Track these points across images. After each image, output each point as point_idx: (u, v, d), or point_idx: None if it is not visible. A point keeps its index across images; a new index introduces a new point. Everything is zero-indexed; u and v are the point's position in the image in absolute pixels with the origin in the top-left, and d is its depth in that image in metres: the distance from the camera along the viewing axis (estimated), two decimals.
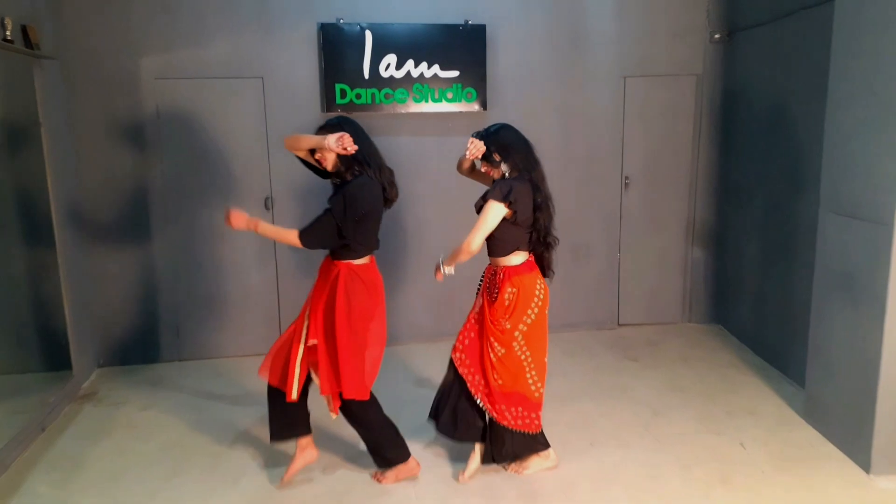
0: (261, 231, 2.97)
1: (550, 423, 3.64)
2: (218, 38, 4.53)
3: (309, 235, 2.95)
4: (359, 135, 2.97)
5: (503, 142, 3.04)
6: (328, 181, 3.13)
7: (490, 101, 4.82)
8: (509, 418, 3.09)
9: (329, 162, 2.98)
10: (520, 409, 3.10)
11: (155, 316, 4.75)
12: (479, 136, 3.04)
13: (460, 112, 4.79)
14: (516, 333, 3.04)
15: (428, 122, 4.84)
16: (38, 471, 3.33)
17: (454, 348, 3.18)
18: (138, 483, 3.21)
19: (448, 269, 3.10)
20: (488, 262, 3.18)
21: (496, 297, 3.04)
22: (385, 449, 3.14)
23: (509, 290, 3.02)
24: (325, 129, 2.98)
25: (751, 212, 4.84)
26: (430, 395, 3.34)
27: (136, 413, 3.98)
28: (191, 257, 4.72)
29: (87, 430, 3.78)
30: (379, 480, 3.19)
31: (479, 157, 3.03)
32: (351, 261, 3.02)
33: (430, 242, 4.99)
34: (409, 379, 4.41)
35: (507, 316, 3.03)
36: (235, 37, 4.55)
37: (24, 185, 4.20)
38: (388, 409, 3.17)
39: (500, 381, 3.06)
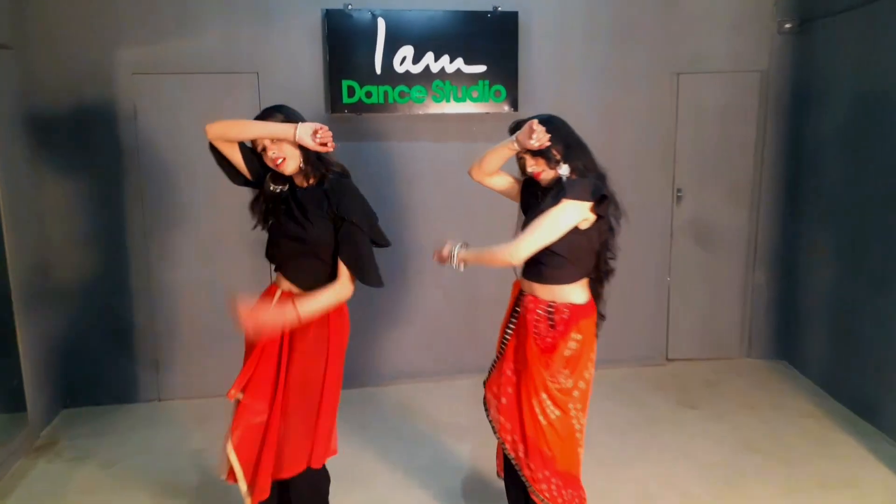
0: (304, 315, 2.25)
1: (601, 496, 2.94)
2: (207, 26, 3.88)
3: (371, 276, 2.30)
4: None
5: (566, 136, 2.33)
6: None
7: (521, 101, 4.12)
8: (560, 502, 2.38)
9: (290, 163, 2.26)
10: (570, 491, 2.40)
11: (131, 349, 4.08)
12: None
13: (487, 113, 4.10)
14: (576, 393, 2.33)
15: (449, 124, 4.16)
16: None
17: (491, 405, 2.52)
18: None
19: (460, 264, 2.41)
20: (517, 286, 2.50)
21: (551, 344, 2.31)
22: None
23: (575, 337, 2.30)
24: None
25: (829, 230, 4.10)
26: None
27: (97, 472, 3.31)
28: (173, 281, 4.06)
29: (35, 494, 3.11)
30: None
31: (537, 149, 2.27)
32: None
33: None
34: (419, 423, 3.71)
35: (570, 371, 2.32)
36: (227, 25, 3.90)
37: None
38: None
39: (550, 454, 2.36)
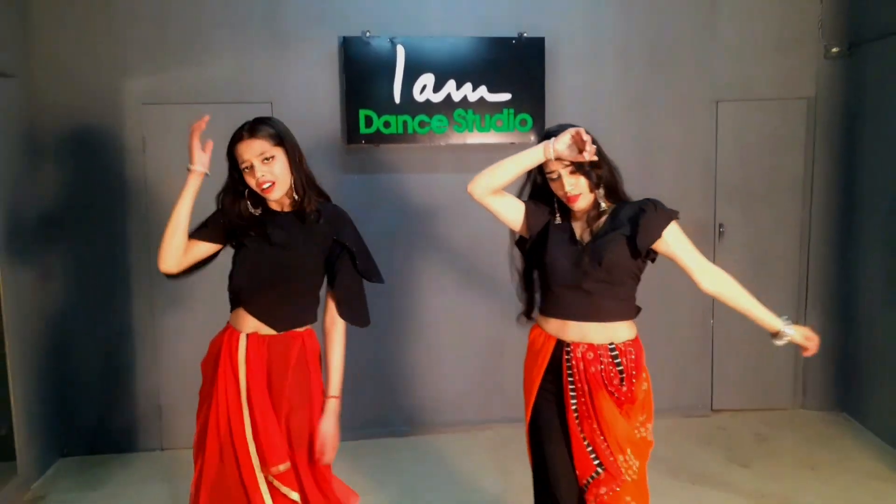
0: (339, 391, 2.09)
1: None
2: (219, 55, 3.73)
3: (364, 309, 2.11)
4: None
5: (601, 153, 2.03)
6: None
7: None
8: None
9: (279, 189, 2.00)
10: None
11: (132, 394, 3.83)
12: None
13: (512, 143, 3.85)
14: (650, 438, 2.05)
15: (472, 155, 3.91)
16: None
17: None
18: None
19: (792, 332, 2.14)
20: (541, 335, 2.15)
21: (628, 394, 2.00)
22: None
23: (645, 377, 2.06)
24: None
25: (888, 267, 3.73)
26: None
27: None
28: (178, 323, 3.82)
29: None
30: None
31: (587, 162, 1.95)
32: (310, 324, 2.11)
33: (476, 305, 4.00)
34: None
35: (646, 417, 2.03)
36: (239, 54, 3.74)
37: None
38: None
39: None
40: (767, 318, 2.09)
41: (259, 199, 2.07)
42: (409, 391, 4.04)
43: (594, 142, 1.92)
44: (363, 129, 3.73)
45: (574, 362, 2.02)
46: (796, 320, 4.20)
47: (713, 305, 4.18)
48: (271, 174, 1.98)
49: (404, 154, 3.88)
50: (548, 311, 2.12)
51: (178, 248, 2.04)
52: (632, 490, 2.02)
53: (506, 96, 3.80)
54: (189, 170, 2.03)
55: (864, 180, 3.97)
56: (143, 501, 3.28)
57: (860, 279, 4.00)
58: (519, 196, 2.18)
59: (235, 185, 2.06)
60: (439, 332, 4.02)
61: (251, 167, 1.98)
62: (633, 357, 2.03)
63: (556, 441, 2.08)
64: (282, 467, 1.98)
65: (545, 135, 2.05)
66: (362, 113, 3.72)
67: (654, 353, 3.99)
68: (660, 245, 2.03)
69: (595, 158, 1.94)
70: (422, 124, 3.76)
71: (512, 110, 3.82)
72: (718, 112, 4.08)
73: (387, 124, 3.74)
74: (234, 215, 2.05)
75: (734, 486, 3.32)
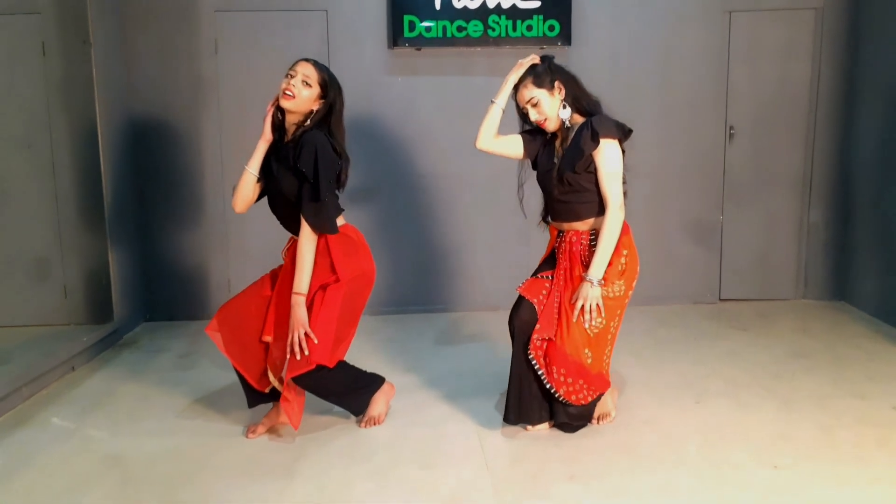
0: (305, 288, 2.45)
1: (642, 383, 3.04)
2: None
3: (325, 223, 2.45)
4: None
5: (567, 72, 2.59)
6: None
7: (575, 36, 4.30)
8: (580, 398, 2.52)
9: (296, 104, 2.46)
10: (588, 386, 2.52)
11: (205, 269, 4.40)
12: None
13: (541, 48, 4.27)
14: (626, 300, 2.54)
15: (504, 59, 4.34)
16: (57, 405, 2.97)
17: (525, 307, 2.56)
18: (156, 421, 2.79)
19: (599, 287, 2.46)
20: (553, 230, 2.71)
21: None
22: (355, 398, 2.67)
23: (623, 252, 2.51)
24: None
25: (886, 167, 4.08)
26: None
27: (174, 359, 3.60)
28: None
29: (119, 371, 3.42)
30: (370, 425, 2.68)
31: (528, 64, 2.58)
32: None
33: (505, 200, 4.45)
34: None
35: (624, 281, 2.50)
36: None
37: (73, 122, 3.94)
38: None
39: (589, 360, 2.49)
40: (595, 266, 2.44)
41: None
42: (444, 274, 4.53)
43: (542, 69, 2.55)
44: (406, 34, 4.20)
45: (563, 244, 2.59)
46: (800, 215, 4.62)
47: (722, 204, 4.58)
48: (297, 90, 2.44)
49: (443, 58, 4.33)
50: (549, 215, 2.68)
51: (247, 197, 2.61)
52: (591, 343, 2.48)
53: (535, 3, 4.22)
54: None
55: (864, 84, 4.30)
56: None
57: (863, 175, 4.35)
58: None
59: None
60: (473, 223, 4.49)
61: (293, 76, 2.45)
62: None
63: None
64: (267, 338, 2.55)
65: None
66: (406, 18, 4.18)
67: (668, 249, 4.47)
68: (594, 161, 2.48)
69: (534, 61, 2.57)
70: (459, 28, 4.21)
71: (541, 17, 4.24)
72: (731, 22, 4.44)
73: (428, 28, 4.19)
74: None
75: (733, 339, 3.77)
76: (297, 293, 2.42)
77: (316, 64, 2.51)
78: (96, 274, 3.95)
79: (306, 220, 2.43)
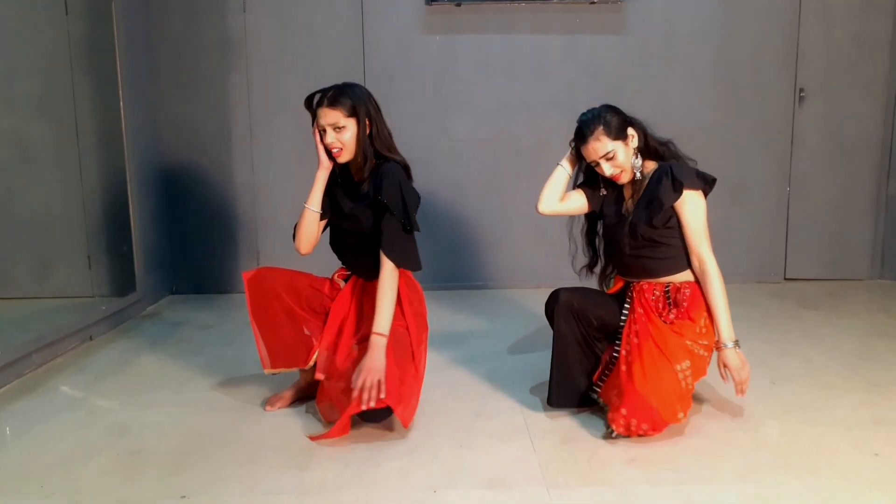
0: (387, 329, 2.15)
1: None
2: None
3: (411, 259, 2.25)
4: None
5: (624, 116, 2.25)
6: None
7: None
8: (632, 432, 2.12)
9: (348, 152, 2.21)
10: (646, 427, 2.09)
11: (233, 240, 4.19)
12: (586, 127, 2.24)
13: (591, 3, 3.95)
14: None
15: (552, 16, 4.03)
16: (68, 374, 2.77)
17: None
18: (169, 392, 2.56)
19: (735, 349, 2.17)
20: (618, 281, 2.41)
21: (676, 314, 2.22)
22: None
23: (705, 315, 2.20)
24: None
25: None
26: None
27: (196, 331, 3.39)
28: (274, 175, 4.14)
29: (138, 342, 3.21)
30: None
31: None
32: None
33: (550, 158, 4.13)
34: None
35: (706, 345, 2.19)
36: None
37: (96, 83, 3.76)
38: None
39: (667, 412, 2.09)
40: (720, 327, 2.15)
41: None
42: (484, 248, 4.24)
43: (609, 119, 2.21)
44: None
45: (634, 291, 2.29)
46: (877, 187, 4.19)
47: (790, 174, 4.18)
48: (340, 142, 2.18)
49: (485, 15, 4.03)
50: (615, 269, 2.41)
51: (311, 237, 2.32)
52: (680, 396, 2.09)
53: None
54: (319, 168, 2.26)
55: None
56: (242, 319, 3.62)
57: None
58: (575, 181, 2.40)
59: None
60: (515, 192, 4.18)
61: (325, 131, 2.19)
62: (687, 293, 2.21)
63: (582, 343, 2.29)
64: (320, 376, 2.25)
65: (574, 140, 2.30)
66: None
67: (729, 223, 4.08)
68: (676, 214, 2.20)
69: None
70: None
71: None
72: None
73: None
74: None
75: (805, 320, 3.39)
76: (378, 333, 2.12)
77: (330, 100, 2.18)
78: (120, 244, 3.77)
79: (389, 256, 2.18)
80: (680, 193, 2.16)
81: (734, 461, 1.95)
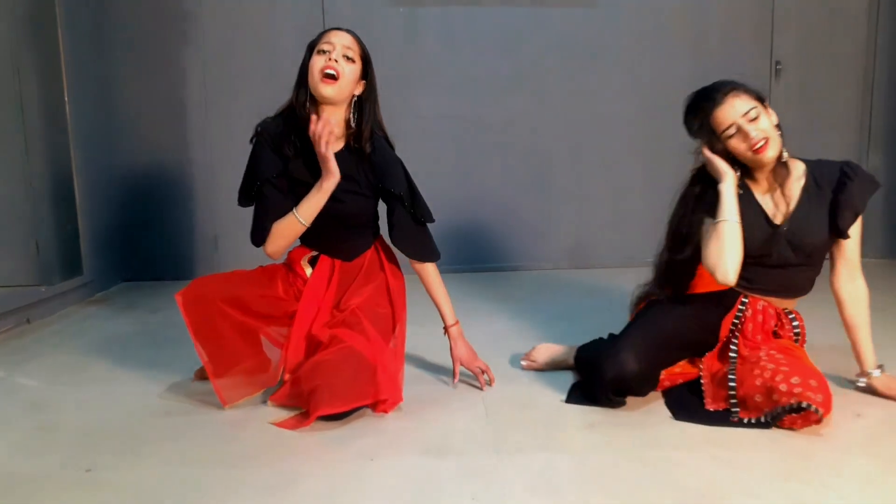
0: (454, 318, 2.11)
1: None
2: None
3: (432, 249, 2.11)
4: None
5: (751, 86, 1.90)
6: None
7: None
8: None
9: (342, 87, 1.91)
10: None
11: (190, 223, 4.00)
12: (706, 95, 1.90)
13: None
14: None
15: None
16: None
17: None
18: (99, 372, 2.37)
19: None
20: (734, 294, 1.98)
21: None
22: None
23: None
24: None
25: None
26: None
27: (142, 315, 3.19)
28: (232, 154, 3.94)
29: (76, 326, 3.01)
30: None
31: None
32: (376, 239, 2.20)
33: (519, 135, 3.99)
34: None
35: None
36: None
37: (40, 61, 3.56)
38: None
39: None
40: (867, 353, 1.93)
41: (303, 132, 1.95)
42: (451, 230, 4.08)
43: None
44: None
45: (749, 310, 1.94)
46: (858, 160, 4.07)
47: None
48: (341, 67, 1.88)
49: None
50: (744, 279, 1.93)
51: (290, 246, 2.04)
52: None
53: None
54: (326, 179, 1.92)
55: None
56: None
57: None
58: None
59: (301, 80, 1.94)
60: (483, 171, 4.02)
61: (329, 51, 1.88)
62: (796, 323, 1.97)
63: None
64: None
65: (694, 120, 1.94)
66: None
67: None
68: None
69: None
70: None
71: None
72: None
73: None
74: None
75: None
76: (452, 325, 2.08)
77: (353, 33, 1.96)
78: (67, 229, 3.57)
79: (405, 249, 2.04)
80: (871, 195, 1.85)
81: (700, 428, 1.79)
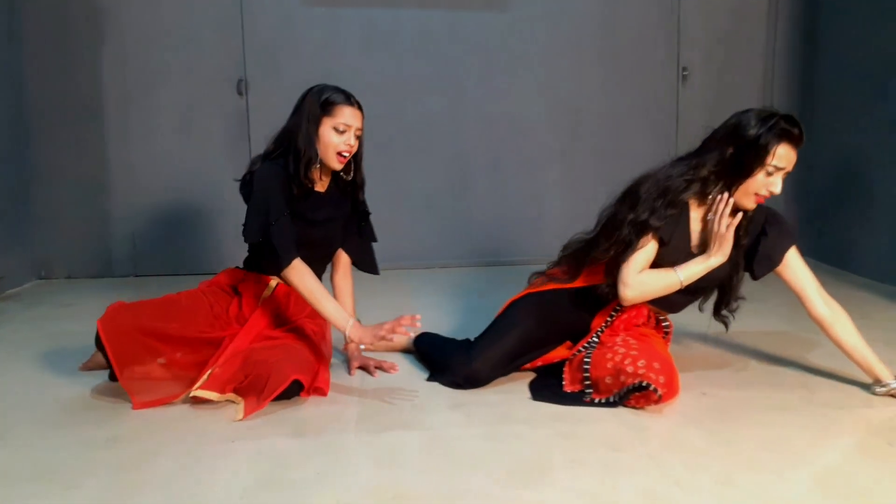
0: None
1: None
2: None
3: (375, 263, 2.43)
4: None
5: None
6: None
7: None
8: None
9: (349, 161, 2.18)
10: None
11: (107, 222, 3.98)
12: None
13: None
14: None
15: None
16: None
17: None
18: None
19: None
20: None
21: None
22: None
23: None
24: None
25: (845, 99, 3.75)
26: None
27: (54, 309, 3.19)
28: (150, 151, 3.96)
29: None
30: None
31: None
32: None
33: (439, 136, 4.09)
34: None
35: None
36: None
37: None
38: None
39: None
40: (875, 363, 1.96)
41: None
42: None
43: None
44: None
45: (624, 312, 2.05)
46: None
47: (676, 149, 4.21)
48: (354, 148, 2.09)
49: None
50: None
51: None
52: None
53: None
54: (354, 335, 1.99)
55: (830, 27, 3.98)
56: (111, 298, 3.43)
57: (825, 120, 4.02)
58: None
59: (308, 138, 2.05)
60: (403, 171, 4.10)
61: (346, 132, 2.04)
62: (671, 325, 2.15)
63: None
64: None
65: None
66: None
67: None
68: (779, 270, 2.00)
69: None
70: None
71: None
72: None
73: None
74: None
75: None
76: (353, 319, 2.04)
77: (359, 104, 2.14)
78: None
79: (362, 259, 2.33)
80: (790, 247, 1.98)
81: (555, 407, 1.90)
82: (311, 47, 3.97)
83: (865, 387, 1.99)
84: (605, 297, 2.02)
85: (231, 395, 1.90)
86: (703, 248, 1.94)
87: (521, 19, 4.06)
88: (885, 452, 1.60)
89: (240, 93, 3.91)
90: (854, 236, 3.74)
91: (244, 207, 2.12)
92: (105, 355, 1.92)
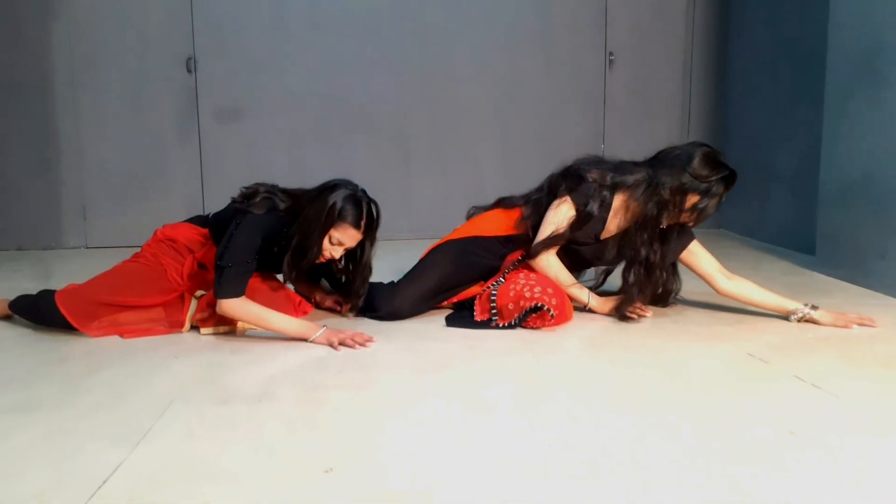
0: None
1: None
2: None
3: None
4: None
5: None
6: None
7: None
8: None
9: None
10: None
11: (57, 193, 4.10)
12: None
13: None
14: None
15: None
16: None
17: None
18: None
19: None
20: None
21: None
22: None
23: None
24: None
25: (758, 91, 4.11)
26: None
27: (8, 273, 3.30)
28: (100, 125, 4.09)
29: None
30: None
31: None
32: None
33: (384, 114, 4.31)
34: None
35: None
36: None
37: None
38: None
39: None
40: (783, 301, 2.27)
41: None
42: None
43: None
44: None
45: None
46: (679, 140, 4.60)
47: (603, 133, 4.53)
48: (335, 257, 2.19)
49: None
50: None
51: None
52: None
53: None
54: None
55: (742, 14, 4.33)
56: (66, 278, 3.56)
57: (741, 105, 4.37)
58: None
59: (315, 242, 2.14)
60: (349, 148, 4.32)
61: (338, 247, 2.16)
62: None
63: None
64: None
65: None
66: None
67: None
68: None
69: None
70: None
71: None
72: None
73: None
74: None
75: None
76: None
77: (367, 226, 2.22)
78: None
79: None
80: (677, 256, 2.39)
81: (467, 330, 2.15)
82: (259, 27, 4.15)
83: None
84: (518, 247, 2.34)
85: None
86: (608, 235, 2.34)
87: (463, 2, 4.30)
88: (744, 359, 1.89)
89: (189, 70, 4.08)
90: (757, 208, 4.09)
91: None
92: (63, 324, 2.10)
